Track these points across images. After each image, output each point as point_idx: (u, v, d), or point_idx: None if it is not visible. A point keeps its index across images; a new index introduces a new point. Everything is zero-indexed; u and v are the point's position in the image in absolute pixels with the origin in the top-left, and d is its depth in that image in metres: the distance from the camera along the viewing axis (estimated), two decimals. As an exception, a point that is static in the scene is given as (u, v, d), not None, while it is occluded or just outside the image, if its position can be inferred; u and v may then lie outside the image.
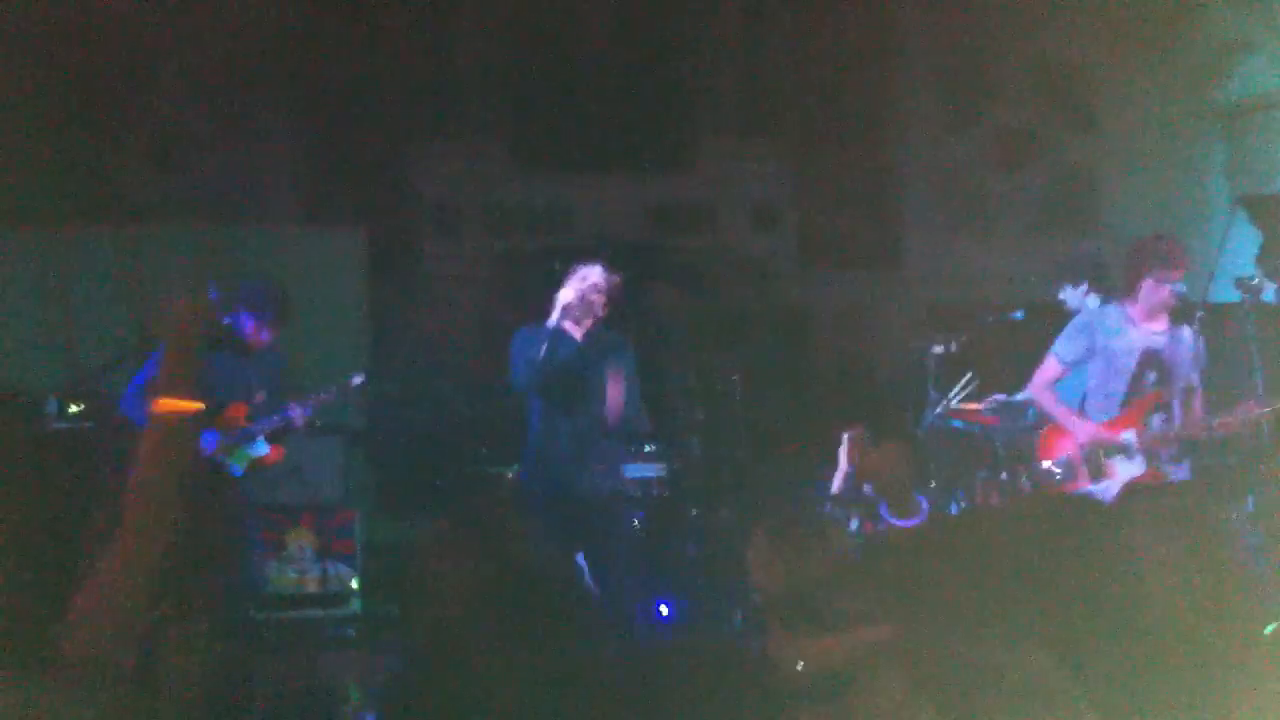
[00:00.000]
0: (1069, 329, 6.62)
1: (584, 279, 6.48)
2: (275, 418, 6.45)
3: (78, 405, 6.78)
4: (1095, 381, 6.53)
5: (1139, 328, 6.46)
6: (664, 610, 7.48)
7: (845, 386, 10.39)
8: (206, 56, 10.66)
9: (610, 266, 6.60)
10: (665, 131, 11.39)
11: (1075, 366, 6.54)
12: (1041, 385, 6.59)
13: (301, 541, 7.32)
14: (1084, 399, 6.61)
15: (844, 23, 11.32)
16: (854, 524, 7.69)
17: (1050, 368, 6.59)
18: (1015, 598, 2.62)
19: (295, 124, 10.88)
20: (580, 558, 6.28)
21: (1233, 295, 7.14)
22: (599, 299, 6.47)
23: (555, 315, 6.38)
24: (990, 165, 11.55)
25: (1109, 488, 6.29)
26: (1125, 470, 6.30)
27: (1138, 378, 6.44)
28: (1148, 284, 6.37)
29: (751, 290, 11.11)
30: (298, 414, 6.46)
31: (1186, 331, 6.48)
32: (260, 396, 6.44)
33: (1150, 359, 6.44)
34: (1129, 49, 10.78)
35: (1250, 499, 6.95)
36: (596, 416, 6.37)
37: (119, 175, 10.50)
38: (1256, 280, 6.99)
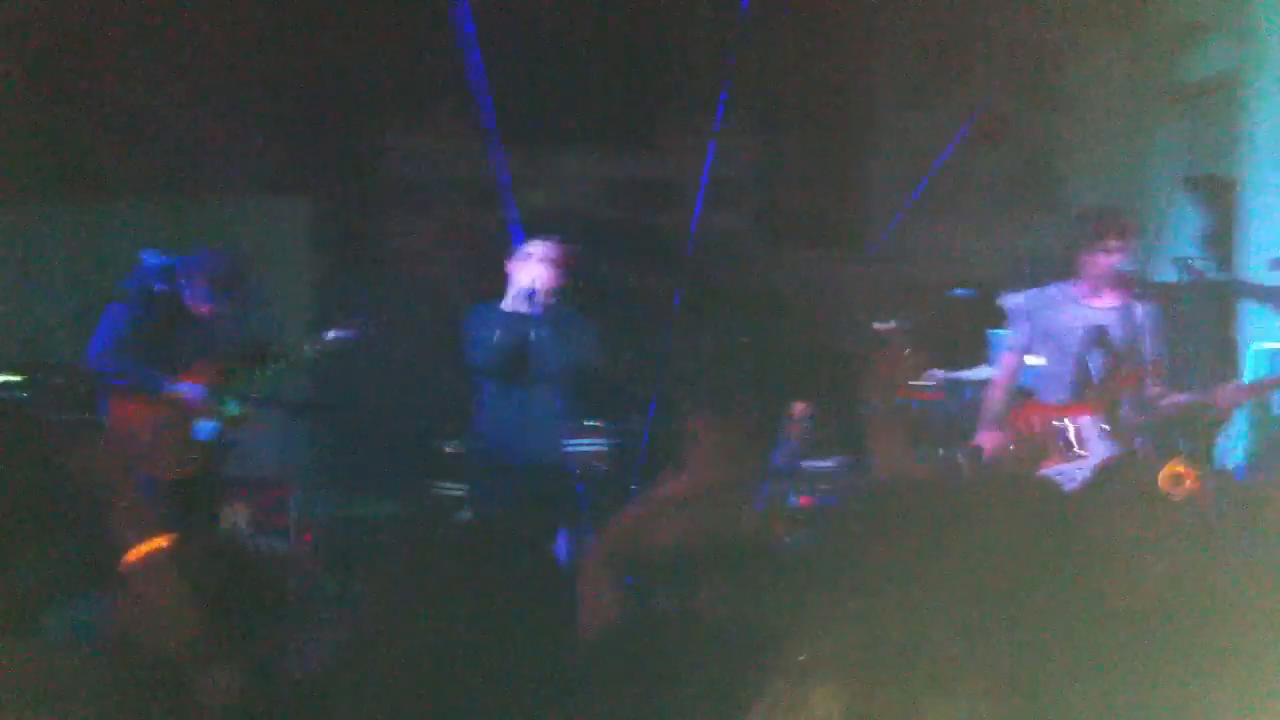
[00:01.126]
0: (1011, 315, 6.60)
1: (532, 254, 6.49)
2: (244, 374, 6.49)
3: (15, 375, 6.79)
4: (1044, 362, 6.50)
5: (1083, 305, 6.42)
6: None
7: (798, 364, 10.41)
8: (168, 29, 10.64)
9: (562, 239, 6.60)
10: (628, 107, 11.37)
11: (1029, 351, 6.51)
12: (1003, 384, 6.53)
13: (236, 517, 7.33)
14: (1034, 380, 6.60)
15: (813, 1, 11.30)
16: (792, 498, 7.76)
17: (1007, 363, 6.55)
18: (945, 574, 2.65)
19: (253, 96, 10.86)
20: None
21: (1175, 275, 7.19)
22: (551, 273, 6.48)
23: (509, 294, 6.40)
24: (957, 146, 11.53)
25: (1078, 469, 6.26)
26: (1097, 451, 6.25)
27: (1084, 357, 6.39)
28: (1088, 258, 6.35)
29: (713, 268, 11.11)
30: (269, 367, 6.52)
31: (1138, 308, 6.42)
32: (232, 350, 6.47)
33: (1098, 336, 6.39)
34: (1092, 28, 10.78)
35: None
36: (547, 395, 6.41)
37: (78, 150, 10.48)
38: (1197, 261, 7.04)
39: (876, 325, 7.87)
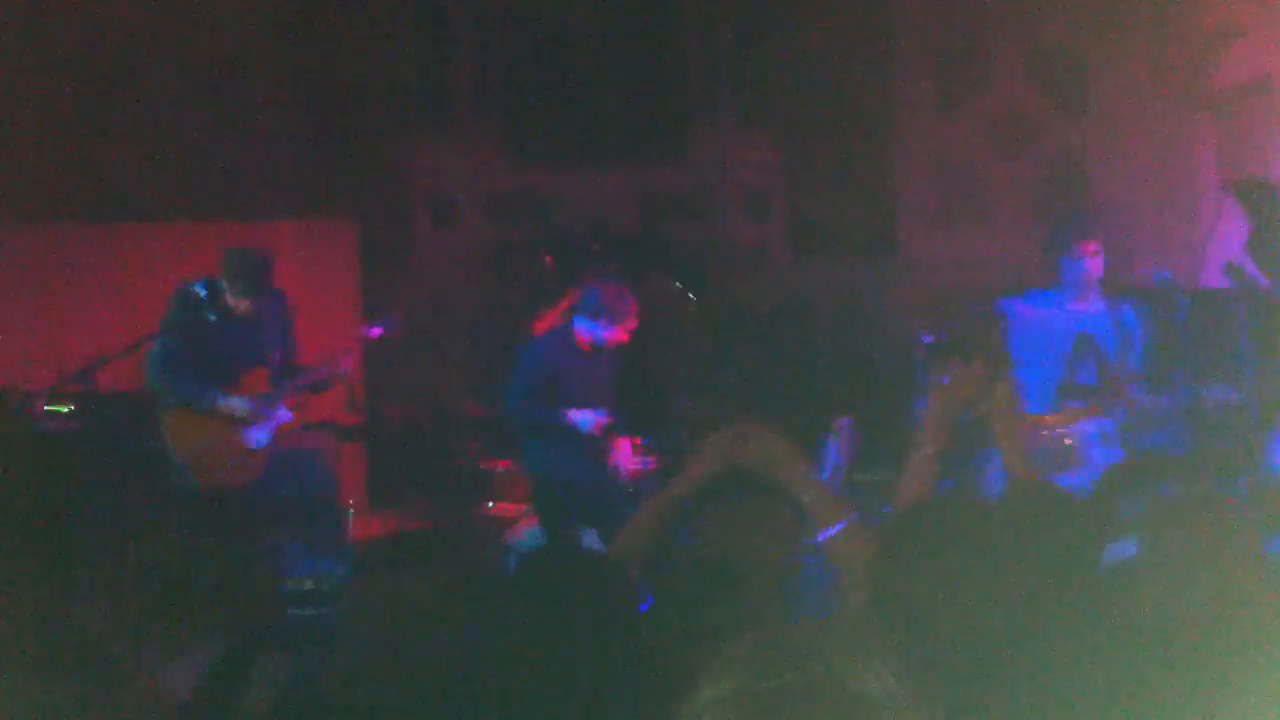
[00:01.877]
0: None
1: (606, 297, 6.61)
2: (294, 380, 6.57)
3: (66, 405, 6.79)
4: (1032, 368, 6.42)
5: (1068, 310, 6.39)
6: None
7: (838, 377, 10.38)
8: (194, 49, 10.64)
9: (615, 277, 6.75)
10: (657, 120, 11.37)
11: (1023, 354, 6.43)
12: None
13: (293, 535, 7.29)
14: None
15: (836, 8, 11.29)
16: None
17: None
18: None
19: (286, 118, 10.86)
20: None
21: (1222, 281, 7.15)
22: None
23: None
24: (983, 152, 11.52)
25: (1083, 476, 6.22)
26: (1102, 457, 6.20)
27: (1074, 362, 6.36)
28: (1063, 262, 6.34)
29: (744, 279, 11.10)
30: (318, 373, 6.61)
31: (1127, 311, 6.40)
32: (277, 356, 6.52)
33: (1084, 342, 6.36)
34: (1121, 35, 10.76)
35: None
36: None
37: (108, 171, 10.47)
38: (1245, 267, 7.00)
39: (924, 337, 7.84)
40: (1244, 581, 2.73)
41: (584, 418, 6.60)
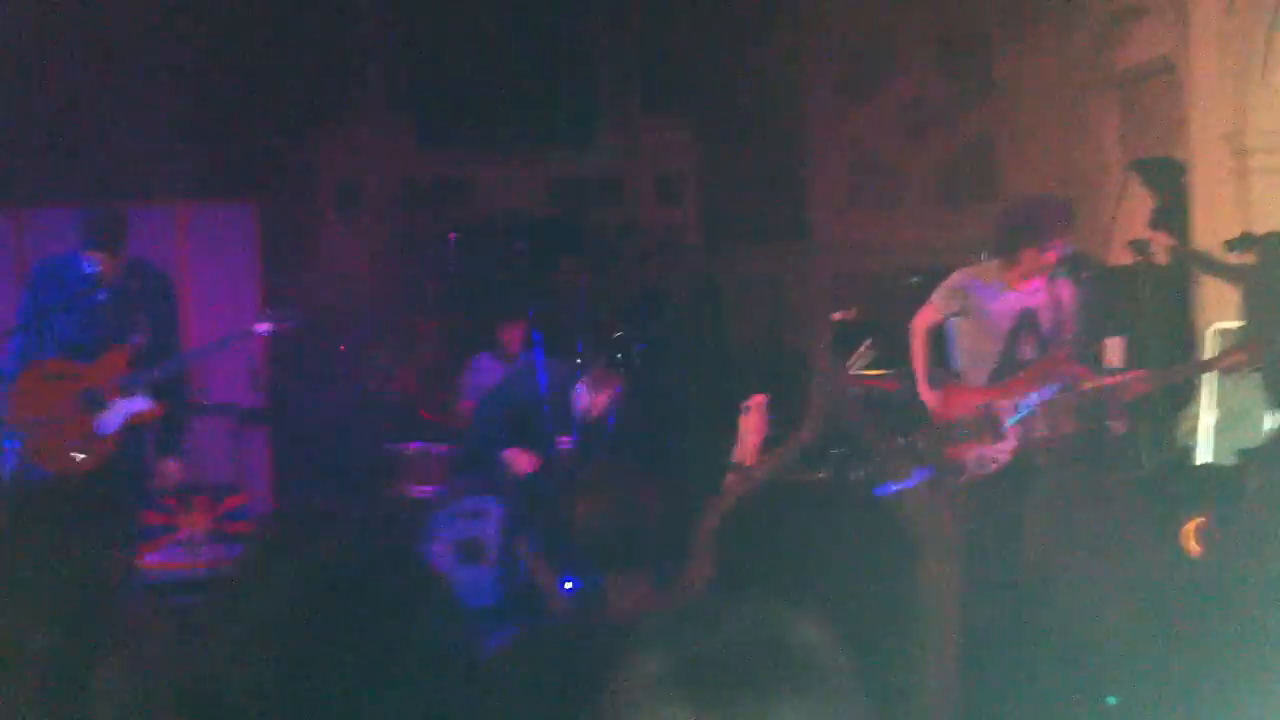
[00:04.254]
0: (945, 285, 6.53)
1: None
2: (157, 368, 5.93)
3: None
4: (967, 341, 6.44)
5: (1015, 290, 6.40)
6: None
7: (751, 359, 10.39)
8: (96, 28, 10.44)
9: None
10: (569, 106, 11.31)
11: (949, 318, 6.43)
12: (921, 327, 6.48)
13: (193, 525, 7.17)
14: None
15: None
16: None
17: (929, 312, 6.48)
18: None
19: (188, 99, 10.68)
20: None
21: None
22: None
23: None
24: (892, 136, 11.59)
25: (1000, 452, 6.25)
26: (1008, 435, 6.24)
27: (1012, 339, 6.37)
28: (1030, 253, 6.29)
29: (657, 265, 11.08)
30: (183, 362, 6.06)
31: (1065, 290, 6.41)
32: (139, 338, 5.94)
33: (1027, 320, 6.38)
34: (1026, 17, 10.85)
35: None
36: None
37: (7, 153, 10.25)
38: (1149, 243, 7.09)
39: (834, 315, 7.88)
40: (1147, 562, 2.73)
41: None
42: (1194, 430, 7.43)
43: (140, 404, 5.87)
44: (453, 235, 7.03)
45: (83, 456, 5.76)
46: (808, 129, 11.63)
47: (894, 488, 2.53)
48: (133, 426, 5.90)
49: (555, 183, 11.36)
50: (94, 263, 5.88)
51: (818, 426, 2.87)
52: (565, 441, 6.98)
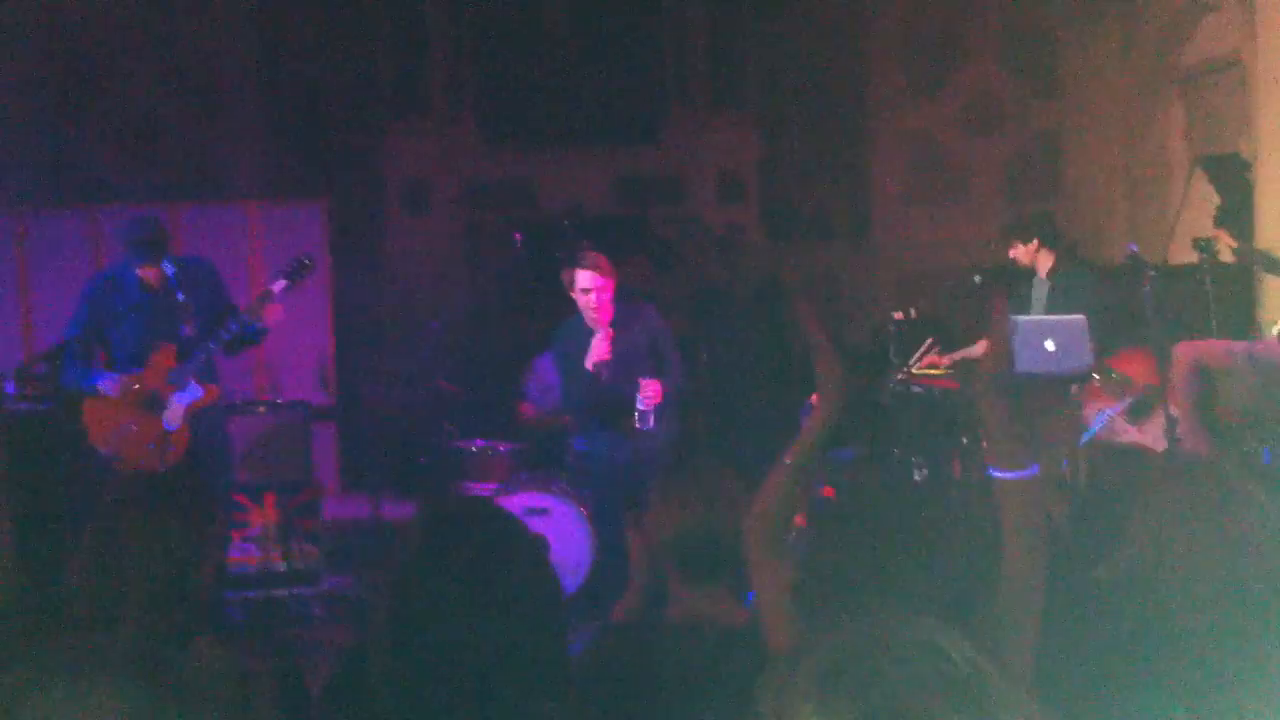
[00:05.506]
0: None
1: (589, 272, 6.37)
2: (198, 353, 6.16)
3: (35, 386, 6.76)
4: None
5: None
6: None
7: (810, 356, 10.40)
8: (167, 33, 10.62)
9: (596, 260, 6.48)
10: (634, 104, 11.38)
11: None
12: None
13: (266, 520, 7.30)
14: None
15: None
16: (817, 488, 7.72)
17: None
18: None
19: (257, 100, 10.84)
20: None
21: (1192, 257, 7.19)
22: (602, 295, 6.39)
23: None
24: (955, 132, 11.56)
25: None
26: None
27: None
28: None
29: (719, 262, 11.11)
30: (222, 337, 6.18)
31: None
32: (189, 329, 6.15)
33: None
34: (1091, 13, 10.80)
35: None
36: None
37: (78, 155, 10.46)
38: (1214, 242, 7.04)
39: (896, 314, 7.88)
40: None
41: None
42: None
43: (194, 392, 6.16)
44: (519, 235, 7.09)
45: (158, 455, 6.02)
46: (871, 125, 11.62)
47: (1011, 475, 2.54)
48: (196, 414, 6.19)
49: (619, 181, 11.42)
50: (144, 274, 6.19)
51: (831, 414, 2.86)
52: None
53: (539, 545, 2.46)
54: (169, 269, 6.13)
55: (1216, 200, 8.57)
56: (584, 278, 6.30)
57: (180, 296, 6.05)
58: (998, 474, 2.51)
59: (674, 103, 11.51)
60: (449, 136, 11.15)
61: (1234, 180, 8.46)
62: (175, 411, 6.14)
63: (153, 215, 6.43)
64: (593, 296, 6.29)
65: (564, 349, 6.51)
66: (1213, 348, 6.80)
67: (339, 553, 7.61)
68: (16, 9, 9.86)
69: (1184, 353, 6.76)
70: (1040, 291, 7.37)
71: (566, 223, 8.88)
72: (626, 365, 6.34)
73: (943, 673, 1.47)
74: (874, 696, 1.46)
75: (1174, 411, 6.34)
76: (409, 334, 9.11)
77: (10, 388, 6.72)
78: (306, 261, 6.35)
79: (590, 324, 6.36)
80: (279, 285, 6.24)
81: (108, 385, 6.16)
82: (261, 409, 7.52)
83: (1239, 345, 6.98)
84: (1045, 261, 7.31)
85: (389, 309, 9.79)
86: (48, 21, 10.28)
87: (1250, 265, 7.50)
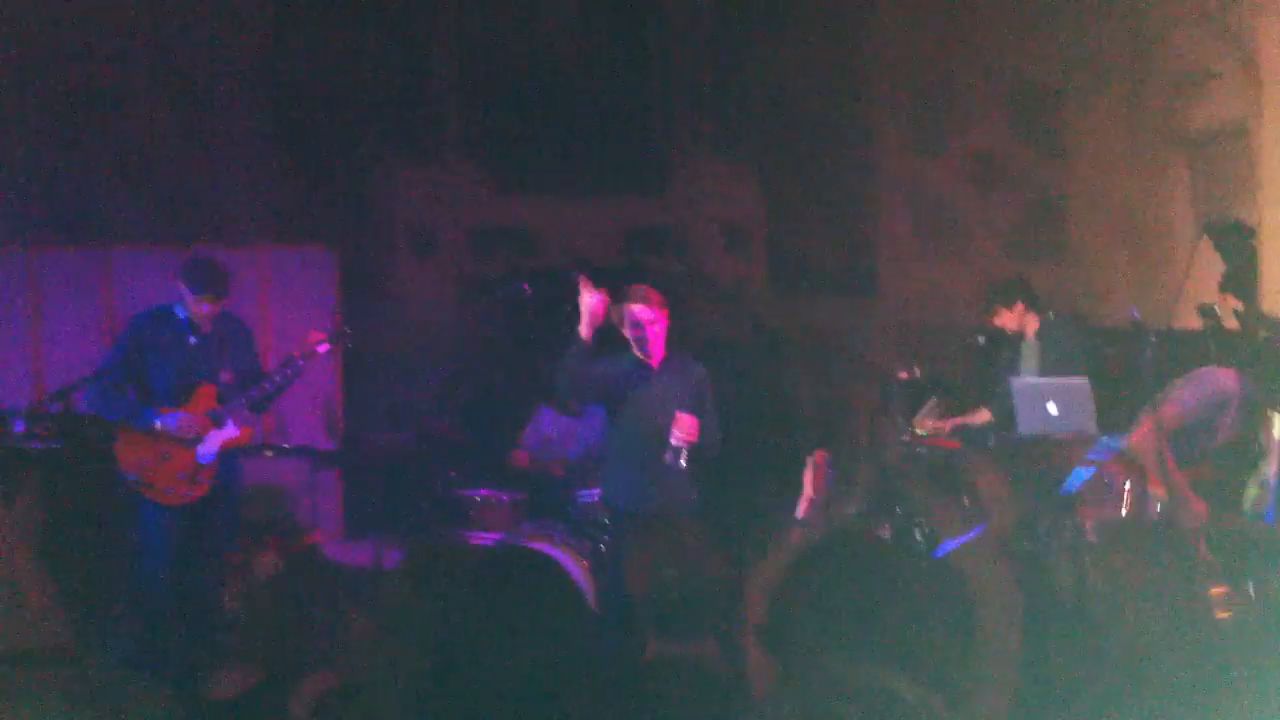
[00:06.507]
0: None
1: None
2: (241, 398, 6.58)
3: (46, 425, 6.84)
4: None
5: None
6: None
7: (815, 411, 10.44)
8: (177, 75, 10.69)
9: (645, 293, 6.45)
10: (639, 154, 11.45)
11: None
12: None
13: (267, 564, 7.30)
14: None
15: (815, 47, 11.41)
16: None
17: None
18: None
19: (267, 144, 10.91)
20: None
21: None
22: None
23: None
24: (960, 190, 11.63)
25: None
26: None
27: None
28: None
29: (722, 313, 11.16)
30: (268, 384, 6.60)
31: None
32: (227, 376, 6.58)
33: None
34: (1097, 76, 10.88)
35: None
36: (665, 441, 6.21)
37: (90, 195, 10.50)
38: (1217, 307, 7.09)
39: (902, 374, 7.93)
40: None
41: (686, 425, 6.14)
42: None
43: (231, 431, 6.54)
44: (527, 286, 7.14)
45: (188, 486, 6.28)
46: (876, 182, 11.69)
47: (950, 546, 2.61)
48: (228, 452, 6.58)
49: (625, 230, 11.48)
50: (190, 310, 6.54)
51: (873, 491, 2.92)
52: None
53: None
54: (217, 311, 6.57)
55: (1221, 266, 8.62)
56: (635, 311, 6.26)
57: (220, 341, 6.41)
58: (944, 545, 2.59)
59: (680, 154, 11.59)
60: (457, 183, 11.23)
61: (1238, 246, 8.50)
62: (211, 446, 6.47)
63: (215, 256, 6.68)
64: (645, 330, 6.26)
65: (609, 383, 6.34)
66: (1166, 410, 6.59)
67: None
68: (28, 46, 9.94)
69: (1144, 423, 6.65)
70: (1031, 354, 7.41)
71: (574, 272, 8.92)
72: (667, 409, 6.21)
73: (897, 715, 1.55)
74: None
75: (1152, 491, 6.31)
76: (416, 380, 9.15)
77: (20, 426, 6.82)
78: (349, 330, 6.77)
79: (643, 359, 6.29)
80: (324, 348, 6.62)
81: (168, 422, 6.44)
82: (269, 453, 7.57)
83: (1187, 395, 6.77)
84: (1031, 324, 7.36)
85: (397, 354, 9.82)
86: (56, 55, 10.35)
87: (1254, 331, 7.55)
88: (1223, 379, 6.65)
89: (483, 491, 7.79)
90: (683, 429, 6.11)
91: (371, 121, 11.01)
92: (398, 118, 11.10)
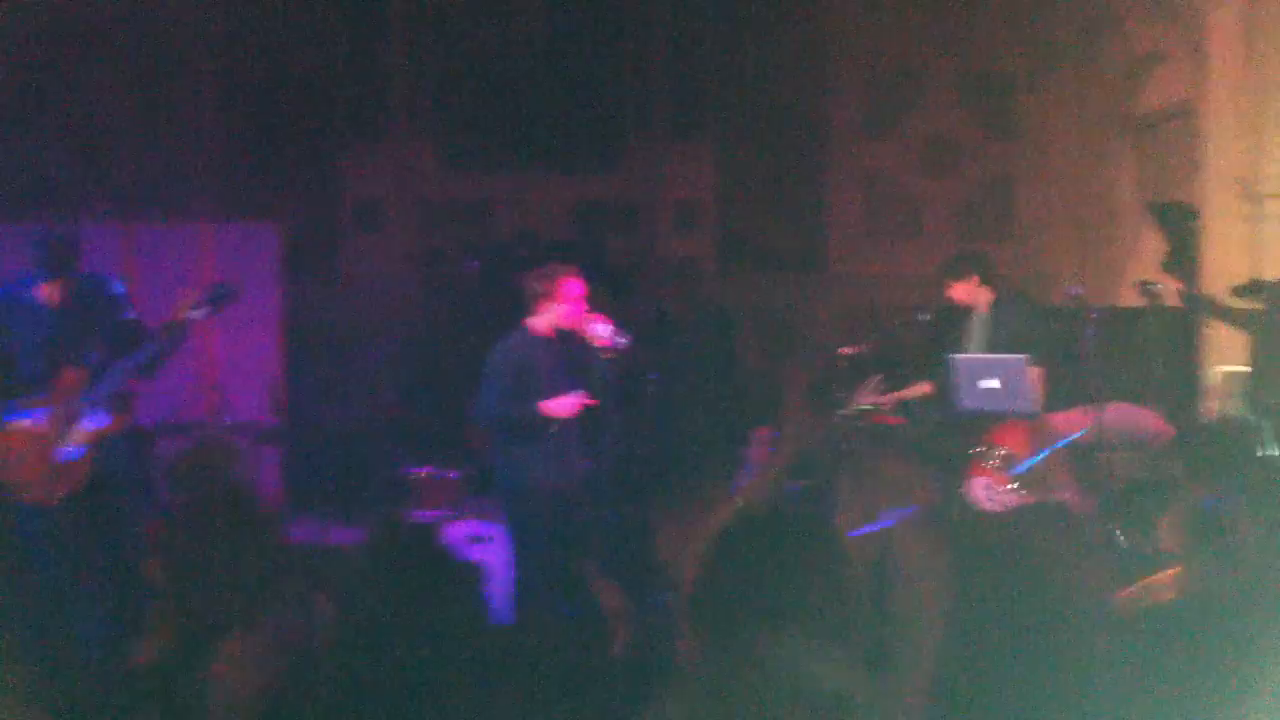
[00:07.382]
0: None
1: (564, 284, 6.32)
2: (109, 377, 5.78)
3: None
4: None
5: None
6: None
7: (762, 388, 10.45)
8: (123, 52, 10.60)
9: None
10: (592, 131, 11.43)
11: None
12: None
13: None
14: None
15: (771, 28, 11.41)
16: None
17: None
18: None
19: (213, 118, 10.83)
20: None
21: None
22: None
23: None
24: (911, 171, 11.67)
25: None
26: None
27: None
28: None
29: (672, 290, 11.16)
30: (138, 360, 5.78)
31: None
32: (97, 356, 5.82)
33: None
34: (1047, 60, 10.94)
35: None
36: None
37: (39, 172, 10.40)
38: (1159, 286, 7.13)
39: (843, 350, 7.94)
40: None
41: (559, 403, 6.17)
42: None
43: (100, 420, 5.80)
44: (476, 263, 7.07)
45: (57, 484, 5.68)
46: (828, 161, 11.72)
47: (866, 529, 2.63)
48: (100, 443, 5.80)
49: (577, 206, 11.47)
50: (50, 284, 5.82)
51: (790, 461, 2.93)
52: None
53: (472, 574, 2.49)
54: (71, 285, 5.80)
55: (1164, 245, 8.68)
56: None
57: (83, 314, 5.75)
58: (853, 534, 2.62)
59: (632, 132, 11.58)
60: (406, 158, 11.18)
61: (1181, 226, 8.57)
62: (74, 439, 5.76)
63: (61, 229, 5.93)
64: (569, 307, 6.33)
65: (505, 360, 6.36)
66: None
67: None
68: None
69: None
70: (981, 328, 7.42)
71: (524, 252, 8.93)
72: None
73: (807, 687, 1.54)
74: (743, 711, 1.53)
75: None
76: (361, 356, 9.10)
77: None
78: (227, 290, 6.01)
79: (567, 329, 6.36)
80: (200, 313, 5.94)
81: (34, 421, 5.75)
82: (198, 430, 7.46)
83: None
84: (984, 298, 7.36)
85: (341, 330, 9.77)
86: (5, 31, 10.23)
87: (1194, 310, 7.61)
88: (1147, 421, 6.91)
89: (427, 469, 7.74)
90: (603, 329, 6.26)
91: (320, 95, 10.94)
92: (348, 92, 11.03)
